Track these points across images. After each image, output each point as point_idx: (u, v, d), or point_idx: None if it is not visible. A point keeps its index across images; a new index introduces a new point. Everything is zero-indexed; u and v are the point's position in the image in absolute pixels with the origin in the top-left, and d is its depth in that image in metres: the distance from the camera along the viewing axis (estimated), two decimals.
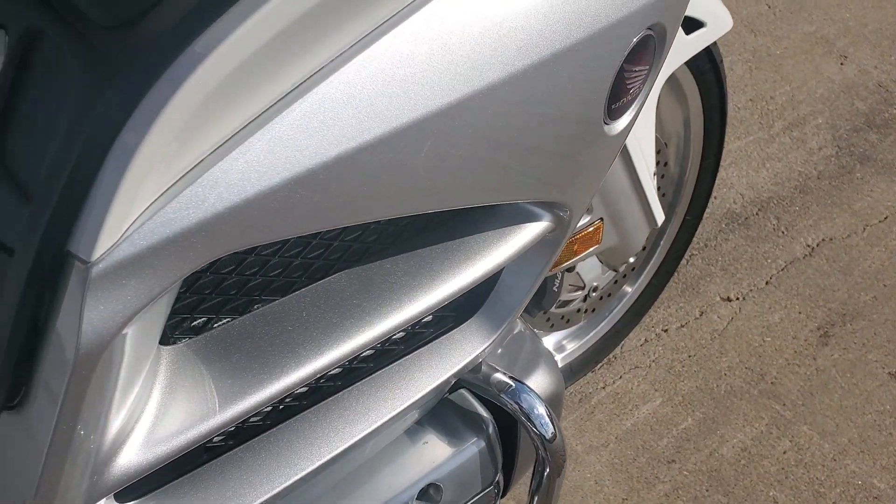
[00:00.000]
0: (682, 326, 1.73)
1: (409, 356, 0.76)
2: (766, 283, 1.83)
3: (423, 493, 0.80)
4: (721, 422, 1.58)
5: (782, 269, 1.85)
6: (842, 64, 2.32)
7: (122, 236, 0.43)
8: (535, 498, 0.88)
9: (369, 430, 0.72)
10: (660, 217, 1.30)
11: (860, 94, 2.24)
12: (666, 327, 1.73)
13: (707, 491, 1.47)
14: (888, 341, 1.71)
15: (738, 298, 1.78)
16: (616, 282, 1.52)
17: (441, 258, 0.68)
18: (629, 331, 1.63)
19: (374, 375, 0.74)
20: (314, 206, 0.49)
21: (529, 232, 0.71)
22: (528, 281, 0.76)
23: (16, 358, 0.46)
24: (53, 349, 0.46)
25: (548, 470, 0.84)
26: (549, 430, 0.82)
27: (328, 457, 0.70)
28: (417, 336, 0.76)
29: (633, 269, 1.54)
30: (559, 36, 0.57)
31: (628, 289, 1.56)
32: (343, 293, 0.64)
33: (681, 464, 1.51)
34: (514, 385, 0.83)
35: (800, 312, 1.77)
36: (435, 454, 0.81)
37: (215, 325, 0.59)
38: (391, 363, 0.75)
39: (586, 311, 1.47)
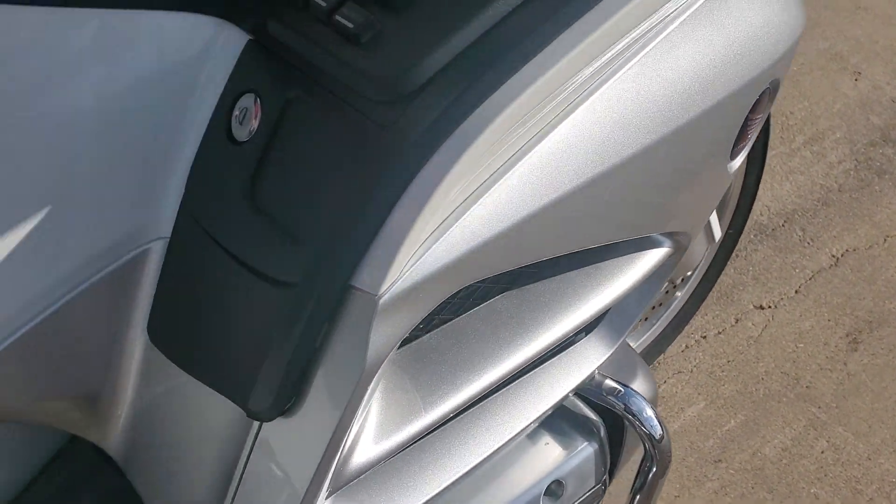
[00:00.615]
0: (720, 333, 1.83)
1: (540, 367, 0.84)
2: (796, 291, 1.93)
3: (548, 489, 0.89)
4: (762, 423, 1.67)
5: (810, 279, 1.95)
6: (856, 80, 2.43)
7: (401, 272, 0.51)
8: (638, 496, 0.96)
9: (511, 435, 0.81)
10: (717, 233, 1.39)
11: (875, 109, 2.35)
12: (705, 334, 1.82)
13: (752, 488, 1.57)
14: None
15: (770, 307, 1.88)
16: (667, 292, 1.61)
17: (585, 281, 0.76)
18: (674, 338, 1.72)
19: (511, 386, 0.83)
20: (533, 241, 0.58)
21: (656, 256, 0.80)
22: (647, 297, 0.85)
23: (295, 375, 0.54)
24: (335, 366, 0.54)
25: (654, 469, 0.93)
26: (657, 431, 0.91)
27: (474, 462, 0.78)
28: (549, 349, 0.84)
29: (681, 280, 1.63)
30: (711, 95, 0.66)
31: (677, 296, 1.65)
32: (507, 312, 0.72)
33: (727, 463, 1.61)
34: (623, 390, 0.92)
35: (829, 320, 1.87)
36: (556, 454, 0.90)
37: (411, 339, 0.68)
38: (525, 374, 0.83)
39: (642, 320, 1.56)
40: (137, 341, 0.66)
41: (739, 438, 1.64)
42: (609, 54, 0.57)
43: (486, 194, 0.54)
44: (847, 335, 1.84)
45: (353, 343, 0.52)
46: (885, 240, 2.06)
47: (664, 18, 0.61)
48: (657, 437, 0.91)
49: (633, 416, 0.91)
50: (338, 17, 0.54)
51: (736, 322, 1.85)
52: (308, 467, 0.56)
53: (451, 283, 0.57)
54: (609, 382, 0.92)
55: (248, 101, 0.60)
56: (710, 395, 1.71)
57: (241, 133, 0.60)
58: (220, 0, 0.60)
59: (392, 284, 0.51)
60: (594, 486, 0.93)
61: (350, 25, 0.54)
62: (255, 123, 0.59)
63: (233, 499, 0.62)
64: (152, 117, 0.60)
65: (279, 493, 0.59)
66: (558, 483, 0.89)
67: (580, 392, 0.94)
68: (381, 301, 0.51)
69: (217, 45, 0.60)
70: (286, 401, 0.56)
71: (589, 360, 0.87)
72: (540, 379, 0.85)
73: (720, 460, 1.61)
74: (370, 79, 0.53)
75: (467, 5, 0.52)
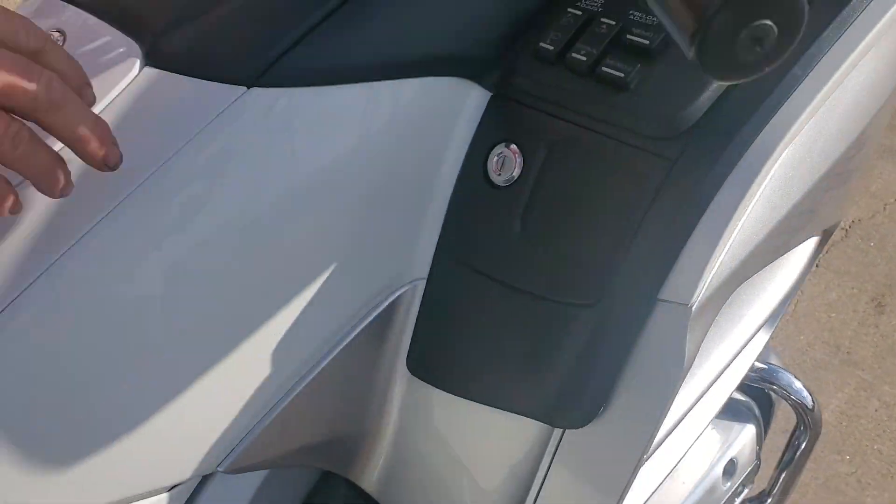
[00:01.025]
0: None
1: None
2: (817, 266, 2.06)
3: (724, 469, 0.97)
4: (816, 391, 1.79)
5: (826, 252, 2.09)
6: None
7: (707, 282, 0.59)
8: (797, 456, 1.05)
9: (702, 429, 0.88)
10: None
11: None
12: None
13: (822, 452, 1.68)
14: None
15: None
16: None
17: (768, 276, 0.85)
18: None
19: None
20: (784, 238, 0.67)
21: (812, 244, 0.89)
22: (798, 284, 0.94)
23: (604, 385, 0.61)
24: (648, 373, 0.60)
25: (807, 438, 1.03)
26: (809, 401, 1.00)
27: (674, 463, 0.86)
28: None
29: None
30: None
31: None
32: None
33: (789, 423, 1.71)
34: (767, 367, 1.01)
35: (852, 288, 2.00)
36: (726, 436, 0.98)
37: None
38: None
39: None
40: (398, 377, 0.72)
41: None
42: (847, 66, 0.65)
43: (754, 200, 0.62)
44: (872, 300, 1.98)
45: (669, 351, 0.59)
46: (884, 208, 2.21)
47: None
48: (809, 406, 1.00)
49: (785, 390, 1.00)
50: (605, 69, 0.62)
51: None
52: (622, 473, 0.63)
53: (733, 286, 0.64)
54: (756, 364, 1.01)
55: (503, 149, 0.67)
56: None
57: (500, 179, 0.67)
58: (459, 62, 0.66)
59: (699, 294, 0.59)
60: (755, 462, 1.02)
61: (620, 74, 0.61)
62: (516, 168, 0.66)
63: None
64: (404, 173, 0.66)
65: (588, 497, 0.65)
66: (731, 462, 0.97)
67: None
68: (694, 308, 0.59)
69: (461, 102, 0.67)
70: (596, 409, 0.63)
71: (753, 351, 0.95)
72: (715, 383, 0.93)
73: (786, 430, 1.72)
74: (650, 118, 0.60)
75: None
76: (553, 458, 0.68)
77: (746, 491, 1.04)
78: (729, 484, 0.97)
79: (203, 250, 0.56)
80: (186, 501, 0.65)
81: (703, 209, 0.59)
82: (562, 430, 0.67)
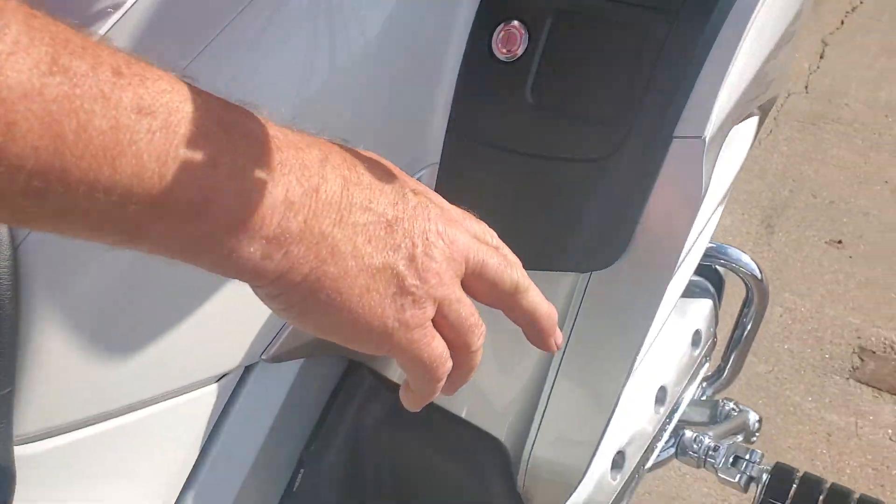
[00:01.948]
0: None
1: None
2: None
3: (694, 335, 1.06)
4: (727, 305, 1.93)
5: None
6: None
7: (714, 116, 0.66)
8: (748, 327, 1.15)
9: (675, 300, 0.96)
10: None
11: None
12: None
13: None
14: (814, 220, 2.16)
15: None
16: None
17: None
18: None
19: None
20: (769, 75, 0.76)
21: (755, 122, 0.99)
22: (743, 159, 1.05)
23: (627, 227, 0.67)
24: (668, 208, 0.66)
25: (755, 307, 1.13)
26: (757, 271, 1.10)
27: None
28: None
29: None
30: None
31: None
32: None
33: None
34: (715, 245, 1.11)
35: (743, 214, 2.17)
36: (690, 311, 1.07)
37: None
38: None
39: None
40: None
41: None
42: None
43: (744, 45, 0.69)
44: (762, 222, 2.15)
45: (688, 181, 0.66)
46: (759, 143, 2.40)
47: None
48: (758, 276, 1.10)
49: (735, 263, 1.09)
50: None
51: None
52: (650, 306, 0.69)
53: (729, 126, 0.72)
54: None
55: (507, 26, 0.72)
56: None
57: (505, 55, 0.72)
58: None
59: (712, 126, 0.66)
60: (713, 336, 1.12)
61: None
62: (521, 45, 0.71)
63: (561, 359, 0.73)
64: (410, 57, 0.69)
65: (618, 333, 0.71)
66: (697, 333, 1.06)
67: None
68: (707, 140, 0.66)
69: None
70: (621, 250, 0.69)
71: (710, 230, 1.04)
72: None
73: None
74: None
75: None
76: (580, 305, 0.73)
77: (707, 365, 1.13)
78: (697, 352, 1.06)
79: None
80: (233, 391, 0.67)
81: (706, 53, 0.67)
82: (588, 275, 0.72)
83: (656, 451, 0.99)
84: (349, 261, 0.39)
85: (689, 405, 1.08)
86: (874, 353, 1.82)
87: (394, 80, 0.66)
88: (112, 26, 0.52)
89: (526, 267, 0.67)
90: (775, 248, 2.08)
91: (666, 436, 1.02)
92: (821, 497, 0.88)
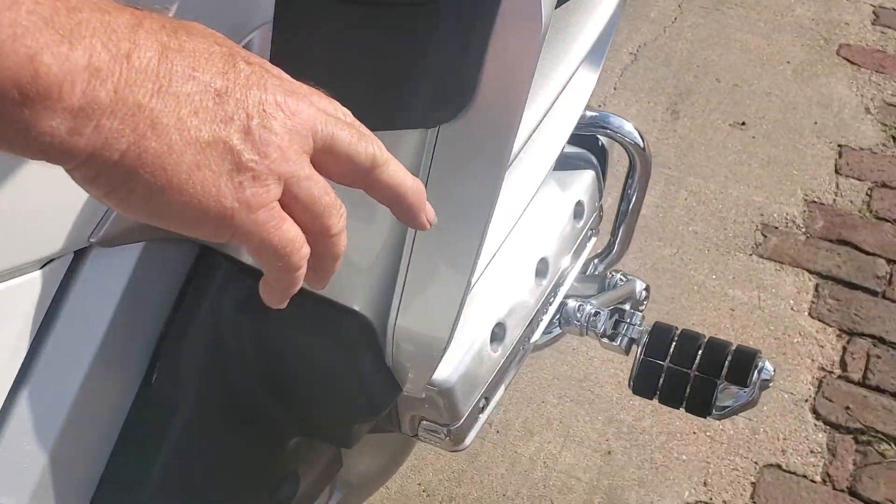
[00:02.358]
0: None
1: (546, 116, 0.97)
2: (615, 88, 2.20)
3: (576, 206, 1.04)
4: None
5: (620, 76, 2.24)
6: None
7: None
8: (633, 198, 1.15)
9: (545, 173, 0.94)
10: None
11: None
12: None
13: (646, 242, 1.83)
14: (718, 104, 2.16)
15: (600, 105, 2.14)
16: None
17: (572, 18, 0.91)
18: None
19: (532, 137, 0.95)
20: None
21: None
22: (611, 28, 1.02)
23: (466, 77, 0.64)
24: (504, 57, 0.64)
25: (639, 174, 1.12)
26: (639, 139, 1.09)
27: (519, 212, 0.91)
28: None
29: None
30: None
31: None
32: None
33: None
34: (598, 114, 1.09)
35: (649, 102, 2.16)
36: (571, 183, 1.05)
37: None
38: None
39: None
40: None
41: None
42: None
43: None
44: (667, 109, 2.15)
45: (523, 21, 0.63)
46: (664, 30, 2.38)
47: None
48: (641, 145, 1.09)
49: (617, 132, 1.08)
50: None
51: None
52: (504, 147, 0.66)
53: None
54: (587, 113, 1.08)
55: None
56: None
57: None
58: None
59: None
60: (598, 207, 1.11)
61: None
62: None
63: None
64: None
65: (471, 188, 0.68)
66: (579, 204, 1.05)
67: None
68: None
69: None
70: (465, 102, 0.65)
71: (582, 95, 1.02)
72: (551, 125, 0.99)
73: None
74: None
75: None
76: (431, 162, 0.70)
77: (594, 240, 1.12)
78: (580, 224, 1.04)
79: None
80: (62, 281, 0.63)
81: None
82: (436, 130, 0.70)
83: (542, 325, 0.99)
84: (173, 134, 0.36)
85: (578, 280, 1.08)
86: (776, 228, 1.85)
87: None
88: None
89: (372, 129, 0.63)
90: (680, 133, 2.08)
91: (552, 310, 1.02)
92: (699, 351, 0.89)
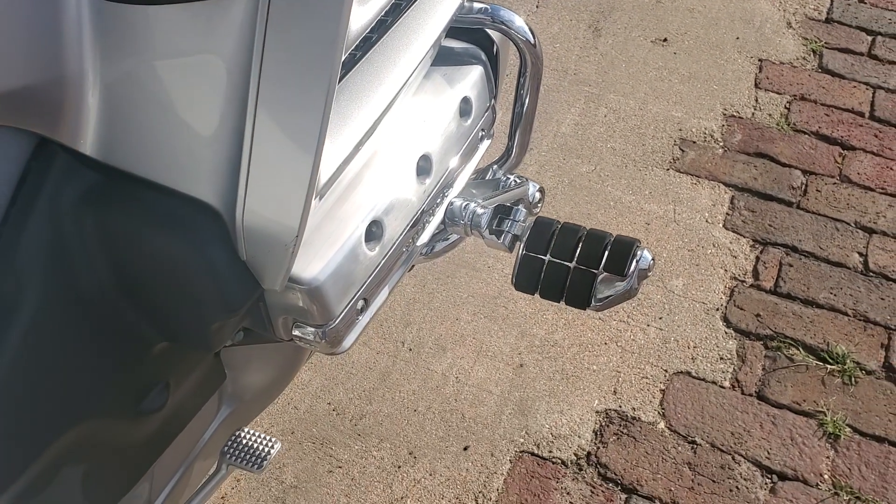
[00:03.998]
0: None
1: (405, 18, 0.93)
2: (537, 6, 2.15)
3: (462, 102, 1.00)
4: (552, 110, 1.91)
5: None
6: None
7: None
8: (527, 99, 1.11)
9: (414, 66, 0.90)
10: None
11: None
12: None
13: (565, 159, 1.81)
14: (640, 21, 2.13)
15: None
16: None
17: None
18: None
19: (396, 27, 0.90)
20: None
21: None
22: None
23: None
24: None
25: (530, 72, 1.08)
26: (530, 35, 1.05)
27: (390, 96, 0.87)
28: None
29: None
30: None
31: None
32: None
33: (536, 148, 1.83)
34: (489, 7, 1.05)
35: (570, 20, 2.12)
36: (456, 79, 1.02)
37: None
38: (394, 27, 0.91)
39: None
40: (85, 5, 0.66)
41: (539, 128, 1.87)
42: None
43: None
44: (589, 27, 2.11)
45: None
46: None
47: None
48: (532, 41, 1.05)
49: (506, 26, 1.04)
50: None
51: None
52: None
53: None
54: (475, 5, 1.04)
55: None
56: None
57: None
58: None
59: None
60: (490, 104, 1.07)
61: None
62: None
63: (257, 97, 0.66)
64: None
65: (310, 53, 0.64)
66: (465, 100, 1.01)
67: (455, 26, 1.05)
68: None
69: None
70: None
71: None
72: (419, 14, 0.95)
73: (532, 148, 1.83)
74: None
75: None
76: (266, 28, 0.66)
77: (487, 143, 1.09)
78: (468, 122, 1.01)
79: None
80: None
81: None
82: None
83: (430, 227, 0.96)
84: None
85: (474, 186, 1.05)
86: (694, 142, 1.84)
87: None
88: None
89: None
90: (602, 50, 2.05)
91: (441, 212, 0.99)
92: (579, 243, 0.87)
